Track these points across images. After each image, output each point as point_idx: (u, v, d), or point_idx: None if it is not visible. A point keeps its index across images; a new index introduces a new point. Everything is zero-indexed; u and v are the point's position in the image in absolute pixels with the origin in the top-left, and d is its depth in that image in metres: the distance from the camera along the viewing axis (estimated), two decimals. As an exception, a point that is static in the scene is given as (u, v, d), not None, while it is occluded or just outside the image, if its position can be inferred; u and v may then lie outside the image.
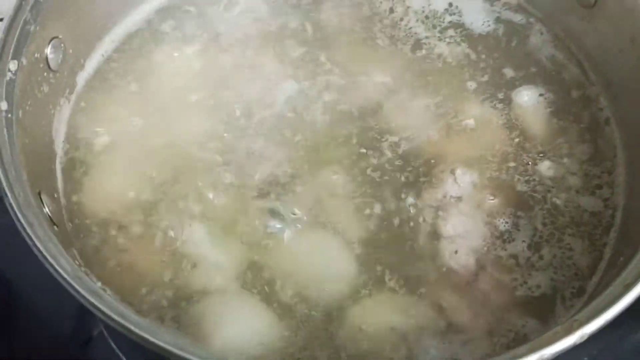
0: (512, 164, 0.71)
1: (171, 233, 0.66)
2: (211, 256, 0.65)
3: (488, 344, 0.61)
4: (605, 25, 0.75)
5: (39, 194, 0.59)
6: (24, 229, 0.51)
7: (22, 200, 0.53)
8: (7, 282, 0.82)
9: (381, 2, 0.83)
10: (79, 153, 0.71)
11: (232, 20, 0.82)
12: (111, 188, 0.69)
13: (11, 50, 0.62)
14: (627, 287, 0.51)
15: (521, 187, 0.70)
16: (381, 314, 0.63)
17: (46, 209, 0.59)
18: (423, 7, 0.82)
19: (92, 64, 0.76)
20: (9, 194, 0.52)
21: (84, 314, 0.82)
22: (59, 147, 0.70)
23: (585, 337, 0.47)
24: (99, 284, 0.55)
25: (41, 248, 0.50)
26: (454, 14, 0.82)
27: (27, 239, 0.50)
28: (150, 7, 0.81)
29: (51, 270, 0.49)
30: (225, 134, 0.73)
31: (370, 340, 0.61)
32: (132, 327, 0.48)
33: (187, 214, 0.67)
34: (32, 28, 0.64)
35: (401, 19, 0.82)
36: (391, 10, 0.83)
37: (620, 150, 0.73)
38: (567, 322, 0.49)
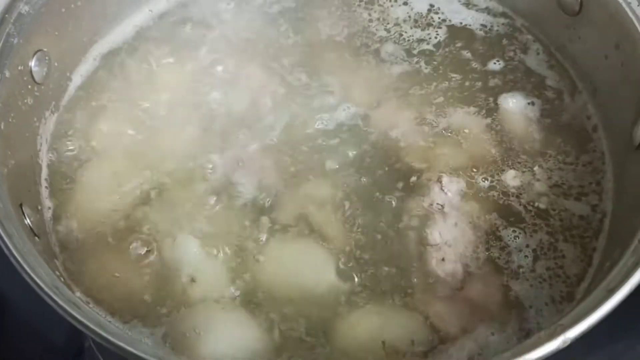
0: (498, 171, 0.71)
1: (157, 245, 0.66)
2: (197, 268, 0.65)
3: (476, 352, 0.60)
4: (590, 32, 0.75)
5: (20, 205, 0.59)
6: (1, 238, 0.50)
7: (1, 211, 0.53)
8: (1, 294, 0.81)
9: (363, 14, 0.84)
10: (64, 165, 0.71)
11: (219, 33, 0.82)
12: (96, 201, 0.69)
13: (-7, 63, 0.62)
14: (611, 292, 0.50)
15: (508, 194, 0.70)
16: (369, 325, 0.62)
17: (27, 220, 0.59)
18: (406, 16, 0.83)
19: (78, 77, 0.77)
20: (-14, 205, 0.52)
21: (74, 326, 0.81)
22: (43, 159, 0.70)
23: (568, 342, 0.47)
24: (78, 293, 0.55)
25: (18, 258, 0.50)
26: (436, 22, 0.82)
27: (4, 248, 0.50)
28: (136, 21, 0.82)
29: (28, 280, 0.49)
30: (212, 145, 0.73)
31: (358, 351, 0.61)
32: (111, 338, 0.48)
33: (173, 225, 0.67)
34: (16, 41, 0.65)
35: (382, 28, 0.82)
36: (372, 20, 0.83)
37: (608, 157, 0.72)
38: (551, 327, 0.49)
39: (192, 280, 0.64)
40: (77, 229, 0.67)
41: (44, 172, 0.69)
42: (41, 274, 0.50)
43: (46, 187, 0.68)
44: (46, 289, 0.48)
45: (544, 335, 0.48)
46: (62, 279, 0.55)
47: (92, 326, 0.47)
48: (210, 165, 0.71)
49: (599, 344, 0.79)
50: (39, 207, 0.65)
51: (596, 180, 0.71)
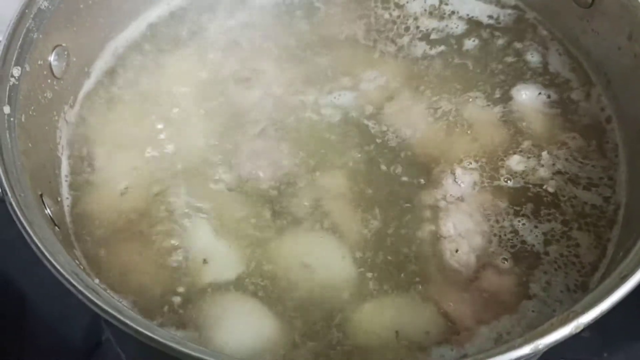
0: (512, 162, 0.71)
1: (174, 235, 0.67)
2: (213, 258, 0.66)
3: (491, 342, 0.61)
4: (602, 23, 0.75)
5: (41, 196, 0.60)
6: (23, 226, 0.51)
7: (22, 200, 0.54)
8: (19, 291, 0.83)
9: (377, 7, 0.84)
10: (83, 158, 0.72)
11: (235, 29, 0.83)
12: (114, 192, 0.70)
13: (14, 57, 0.63)
14: (624, 279, 0.50)
15: (522, 184, 0.70)
16: (382, 316, 0.63)
17: (47, 210, 0.60)
18: (421, 10, 0.83)
19: (96, 72, 0.78)
20: (9, 193, 0.53)
21: (92, 321, 0.83)
22: (63, 152, 0.71)
23: (580, 328, 0.47)
24: (97, 280, 0.56)
25: (39, 244, 0.50)
26: (447, 14, 0.83)
27: (25, 235, 0.51)
28: (152, 17, 0.83)
29: (49, 266, 0.50)
30: (227, 138, 0.74)
31: (371, 341, 0.61)
32: (130, 322, 0.49)
33: (190, 216, 0.68)
34: (36, 36, 0.66)
35: (398, 22, 0.83)
36: (388, 14, 0.84)
37: (622, 149, 0.72)
38: (563, 314, 0.49)
39: (209, 270, 0.65)
40: (95, 220, 0.68)
41: (64, 165, 0.70)
42: (61, 261, 0.51)
43: (66, 179, 0.70)
44: (67, 275, 0.49)
45: (557, 321, 0.48)
46: (82, 268, 0.56)
47: (111, 311, 0.48)
48: (226, 157, 0.72)
49: (617, 344, 0.79)
50: (59, 199, 0.67)
51: (609, 172, 0.71)
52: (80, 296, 0.49)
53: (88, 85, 0.77)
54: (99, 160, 0.72)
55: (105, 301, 0.49)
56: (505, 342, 0.59)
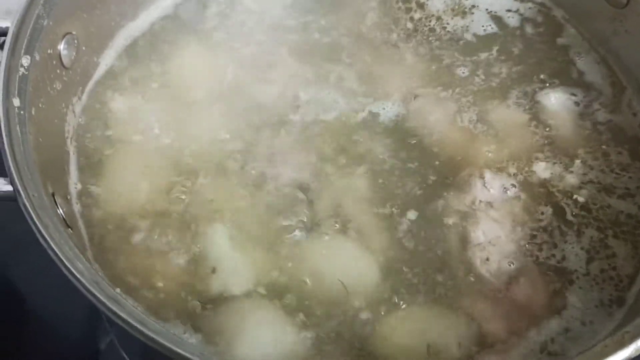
0: (542, 167, 0.69)
1: (188, 237, 0.63)
2: (231, 262, 0.62)
3: (524, 356, 0.58)
4: (637, 25, 0.72)
5: (53, 195, 0.56)
6: (39, 231, 0.47)
7: (36, 200, 0.50)
8: (20, 294, 0.80)
9: (399, 6, 0.81)
10: (91, 154, 0.68)
11: (248, 19, 0.79)
12: (125, 190, 0.66)
13: (24, 45, 0.59)
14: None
15: (553, 190, 0.67)
16: (411, 328, 0.60)
17: (60, 211, 0.56)
18: (445, 8, 0.80)
19: (105, 62, 0.74)
20: (22, 194, 0.49)
21: (94, 324, 0.80)
22: (71, 146, 0.67)
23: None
24: (118, 290, 0.52)
25: (57, 251, 0.47)
26: (472, 11, 0.80)
27: (42, 241, 0.47)
28: (163, 6, 0.78)
29: (68, 274, 0.46)
30: (244, 136, 0.70)
31: (400, 356, 0.58)
32: (154, 336, 0.45)
33: (206, 218, 0.64)
34: (45, 22, 0.62)
35: (421, 23, 0.80)
36: (410, 15, 0.80)
37: (656, 154, 0.70)
38: (617, 334, 0.46)
39: (227, 275, 0.61)
40: (105, 219, 0.64)
41: (72, 161, 0.66)
42: (80, 268, 0.47)
43: (75, 176, 0.65)
44: (87, 284, 0.45)
45: (611, 343, 0.45)
46: (99, 275, 0.52)
47: (136, 325, 0.45)
48: (243, 157, 0.69)
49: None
50: (69, 197, 0.63)
51: (643, 180, 0.69)
52: (101, 307, 0.45)
53: (97, 75, 0.73)
54: (108, 156, 0.68)
55: (129, 314, 0.45)
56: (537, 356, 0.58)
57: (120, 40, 0.75)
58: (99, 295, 0.46)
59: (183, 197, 0.66)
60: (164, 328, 0.53)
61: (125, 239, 0.63)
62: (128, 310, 0.46)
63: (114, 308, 0.46)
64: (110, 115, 0.71)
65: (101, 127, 0.70)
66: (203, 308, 0.59)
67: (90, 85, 0.72)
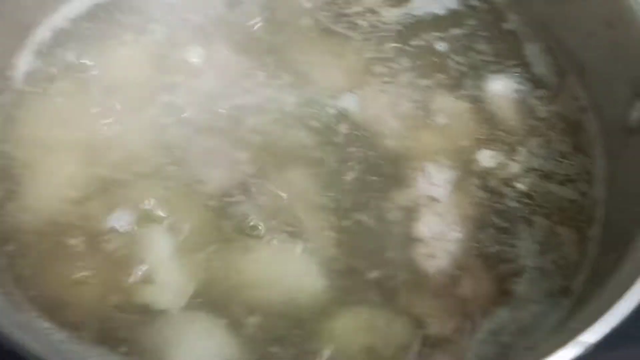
0: (487, 158, 0.67)
1: (121, 248, 0.60)
2: (167, 270, 0.59)
3: (473, 354, 0.57)
4: (576, 8, 0.71)
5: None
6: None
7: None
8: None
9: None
10: (10, 162, 0.64)
11: (185, 12, 0.75)
12: (51, 193, 0.63)
13: None
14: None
15: (498, 181, 0.66)
16: (355, 331, 0.58)
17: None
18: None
19: (25, 61, 0.70)
20: None
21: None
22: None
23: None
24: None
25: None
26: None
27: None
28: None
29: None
30: (176, 135, 0.67)
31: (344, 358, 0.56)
32: None
33: (138, 226, 0.61)
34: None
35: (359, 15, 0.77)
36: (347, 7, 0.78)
37: (599, 140, 0.69)
38: (566, 331, 0.45)
39: (162, 284, 0.58)
40: (28, 224, 0.61)
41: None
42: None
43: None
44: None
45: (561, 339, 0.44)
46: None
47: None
48: (180, 155, 0.65)
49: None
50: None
51: (586, 166, 0.68)
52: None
53: (18, 76, 0.69)
54: (29, 162, 0.64)
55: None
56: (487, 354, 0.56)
57: (35, 42, 0.71)
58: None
59: (116, 201, 0.62)
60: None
61: (49, 248, 0.59)
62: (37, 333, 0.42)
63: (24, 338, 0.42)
64: (35, 115, 0.67)
65: (25, 127, 0.66)
66: (136, 323, 0.56)
67: (13, 86, 0.68)
